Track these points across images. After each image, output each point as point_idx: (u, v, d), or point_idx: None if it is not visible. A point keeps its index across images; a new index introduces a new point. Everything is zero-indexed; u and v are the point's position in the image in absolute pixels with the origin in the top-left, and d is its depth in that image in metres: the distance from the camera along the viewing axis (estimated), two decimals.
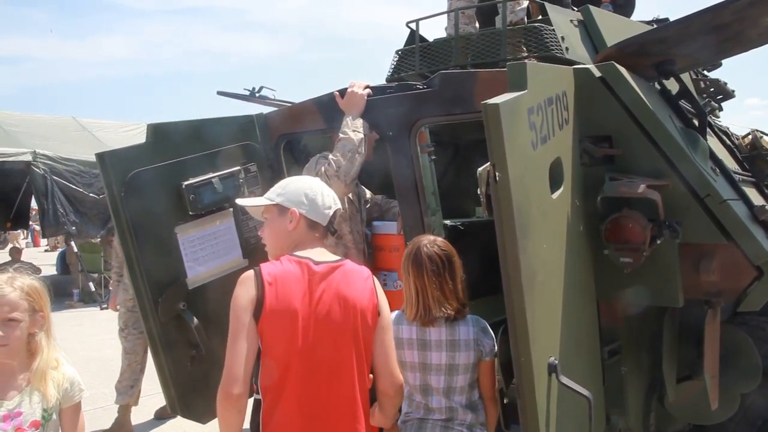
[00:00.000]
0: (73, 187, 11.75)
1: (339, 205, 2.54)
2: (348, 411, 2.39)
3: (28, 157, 11.00)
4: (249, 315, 2.27)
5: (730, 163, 3.63)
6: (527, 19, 4.25)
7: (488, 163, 2.19)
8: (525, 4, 4.19)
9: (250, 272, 2.33)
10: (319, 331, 2.32)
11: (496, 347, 2.81)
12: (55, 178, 11.46)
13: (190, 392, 3.59)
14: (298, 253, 2.41)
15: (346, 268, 2.43)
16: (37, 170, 11.10)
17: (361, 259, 3.74)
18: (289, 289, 2.31)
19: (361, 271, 2.48)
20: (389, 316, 2.52)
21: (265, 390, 2.34)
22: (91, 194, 11.88)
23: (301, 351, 2.31)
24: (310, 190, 2.47)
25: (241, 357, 2.27)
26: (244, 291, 2.29)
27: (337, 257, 2.49)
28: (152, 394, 5.62)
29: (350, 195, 3.77)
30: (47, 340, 2.40)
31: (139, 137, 3.72)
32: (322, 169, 3.44)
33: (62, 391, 2.40)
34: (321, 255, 2.44)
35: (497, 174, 2.09)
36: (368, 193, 4.20)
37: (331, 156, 3.48)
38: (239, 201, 2.71)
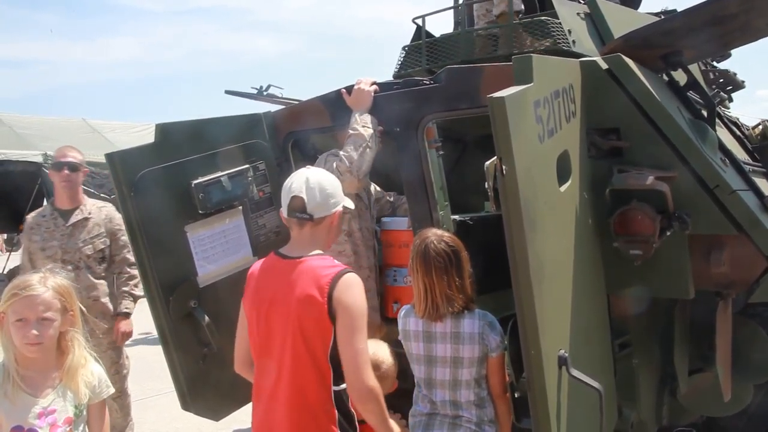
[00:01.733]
0: (85, 187, 11.78)
1: (297, 192, 2.53)
2: (302, 402, 2.48)
3: (39, 159, 11.07)
4: (243, 305, 2.67)
5: (740, 154, 3.62)
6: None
7: (495, 156, 2.19)
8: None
9: None
10: (270, 322, 2.52)
11: (505, 343, 2.80)
12: None
13: (203, 390, 3.61)
14: (285, 248, 2.63)
15: (307, 265, 2.50)
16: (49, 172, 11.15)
17: (371, 256, 3.73)
18: (253, 283, 2.62)
19: (322, 269, 2.47)
20: (355, 319, 2.44)
21: None
22: (102, 195, 11.94)
23: (257, 340, 2.57)
24: (284, 187, 2.61)
25: (238, 338, 2.74)
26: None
27: (314, 252, 2.55)
28: (165, 393, 5.65)
29: (362, 194, 3.77)
30: (77, 338, 2.47)
31: (148, 137, 3.73)
32: (334, 165, 3.45)
33: (91, 388, 2.48)
34: (297, 250, 2.57)
35: (504, 167, 2.09)
36: (376, 189, 4.19)
37: (342, 152, 3.49)
38: None
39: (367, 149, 3.46)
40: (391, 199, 4.23)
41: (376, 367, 2.72)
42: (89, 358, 2.52)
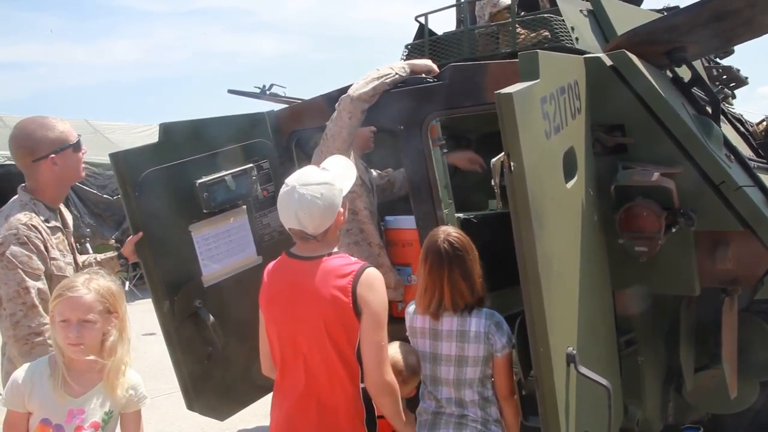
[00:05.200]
0: (87, 189, 11.83)
1: (291, 225, 2.51)
2: (326, 398, 2.48)
3: None
4: (261, 309, 2.62)
5: (745, 150, 3.61)
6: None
7: (502, 153, 2.18)
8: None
9: None
10: (292, 324, 2.49)
11: (513, 342, 2.79)
12: None
13: (207, 389, 3.61)
14: (293, 248, 2.59)
15: (327, 265, 2.48)
16: None
17: (377, 235, 3.72)
18: (269, 282, 2.58)
19: (342, 268, 2.47)
20: (378, 314, 2.46)
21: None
22: (105, 196, 11.97)
23: (278, 342, 2.54)
24: (278, 204, 2.55)
25: (261, 340, 2.68)
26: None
27: (329, 251, 2.53)
28: (169, 393, 5.65)
29: (365, 177, 3.76)
30: (121, 342, 2.45)
31: (151, 138, 3.73)
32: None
33: (128, 396, 2.46)
34: (309, 250, 2.53)
35: (512, 164, 2.08)
36: (375, 173, 4.18)
37: None
38: None
39: (375, 81, 3.49)
40: (387, 175, 4.21)
41: (398, 372, 2.72)
42: (129, 365, 2.50)
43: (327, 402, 2.47)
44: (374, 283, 2.47)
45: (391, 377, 2.48)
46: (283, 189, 2.52)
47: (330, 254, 2.51)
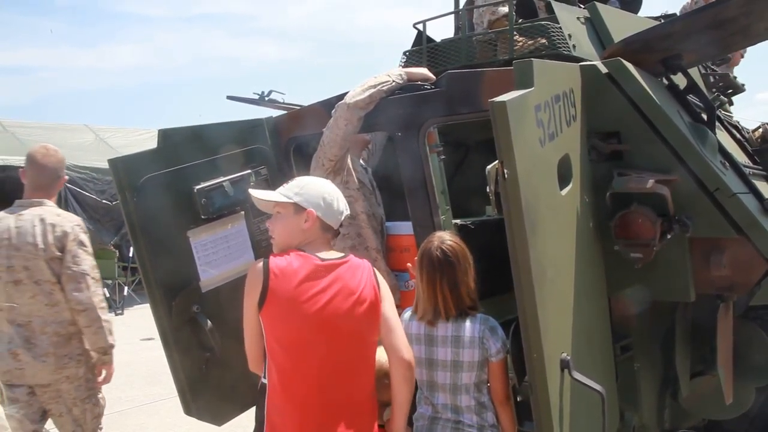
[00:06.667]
0: (86, 194, 11.87)
1: (349, 211, 2.67)
2: (351, 402, 2.50)
3: None
4: (255, 302, 2.47)
5: (740, 157, 3.62)
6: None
7: (497, 161, 2.20)
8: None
9: (260, 262, 2.51)
10: (323, 321, 2.44)
11: (508, 347, 2.80)
12: (68, 185, 11.58)
13: (205, 394, 3.62)
14: (305, 249, 2.55)
15: (351, 264, 2.56)
16: None
17: (377, 239, 3.74)
18: (292, 280, 2.46)
19: (363, 265, 2.60)
20: (392, 299, 2.62)
21: (270, 374, 2.50)
22: (104, 201, 12.01)
23: (307, 340, 2.45)
24: (328, 195, 2.57)
25: (251, 339, 2.58)
26: (253, 279, 2.49)
27: (342, 254, 2.60)
28: (167, 398, 5.66)
29: (364, 179, 3.77)
30: None
31: (151, 143, 3.75)
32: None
33: None
34: (327, 253, 2.57)
35: (505, 171, 2.10)
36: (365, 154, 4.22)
37: None
38: (252, 191, 2.69)
39: (371, 88, 3.50)
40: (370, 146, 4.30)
41: (383, 375, 2.73)
42: None
43: (355, 402, 2.51)
44: (380, 273, 2.64)
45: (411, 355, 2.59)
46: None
47: (347, 256, 2.60)
